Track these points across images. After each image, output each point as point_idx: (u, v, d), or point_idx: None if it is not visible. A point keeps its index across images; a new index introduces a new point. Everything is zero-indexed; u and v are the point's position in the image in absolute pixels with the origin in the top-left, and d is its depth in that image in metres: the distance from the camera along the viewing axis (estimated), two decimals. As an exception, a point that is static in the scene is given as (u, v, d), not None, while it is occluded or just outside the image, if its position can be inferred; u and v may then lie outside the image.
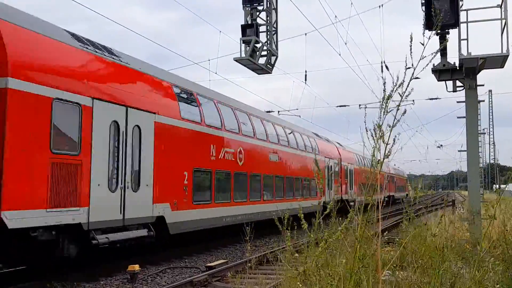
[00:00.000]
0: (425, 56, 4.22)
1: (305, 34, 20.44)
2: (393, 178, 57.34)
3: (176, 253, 15.26)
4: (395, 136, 4.31)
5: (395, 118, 4.32)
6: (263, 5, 13.69)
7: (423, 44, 4.24)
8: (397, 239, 7.16)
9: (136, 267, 10.90)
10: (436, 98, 33.79)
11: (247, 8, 13.76)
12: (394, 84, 4.30)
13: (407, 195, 55.45)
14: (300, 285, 4.52)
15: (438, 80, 12.89)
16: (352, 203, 31.39)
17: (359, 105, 34.76)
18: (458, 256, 6.95)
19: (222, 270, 11.75)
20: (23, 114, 9.06)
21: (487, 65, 11.97)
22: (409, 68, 4.21)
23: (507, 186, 30.92)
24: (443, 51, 12.74)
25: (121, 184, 11.40)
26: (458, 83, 12.98)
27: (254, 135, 19.22)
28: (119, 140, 11.45)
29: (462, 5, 11.81)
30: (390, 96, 4.27)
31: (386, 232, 16.44)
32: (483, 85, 13.13)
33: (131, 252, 13.64)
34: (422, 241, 6.84)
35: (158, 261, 13.92)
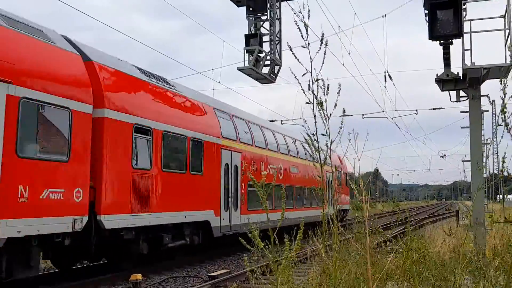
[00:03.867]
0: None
1: (309, 44, 20.44)
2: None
3: (179, 262, 15.21)
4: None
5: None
6: (266, 15, 13.74)
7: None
8: (401, 250, 7.13)
9: (139, 276, 10.88)
10: (439, 108, 33.82)
11: (250, 18, 13.81)
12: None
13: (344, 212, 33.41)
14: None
15: (442, 90, 12.88)
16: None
17: (362, 114, 34.78)
18: (463, 268, 6.91)
19: (225, 279, 11.70)
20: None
21: (490, 75, 11.96)
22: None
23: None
24: (446, 61, 12.75)
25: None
26: (462, 93, 12.97)
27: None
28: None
29: (466, 15, 11.83)
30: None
31: (389, 242, 16.36)
32: (487, 95, 13.12)
33: (134, 262, 13.60)
34: (426, 252, 6.80)
35: (160, 270, 13.88)
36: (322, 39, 4.43)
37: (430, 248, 8.03)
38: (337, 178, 29.23)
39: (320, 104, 4.38)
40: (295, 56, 4.56)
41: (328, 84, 4.40)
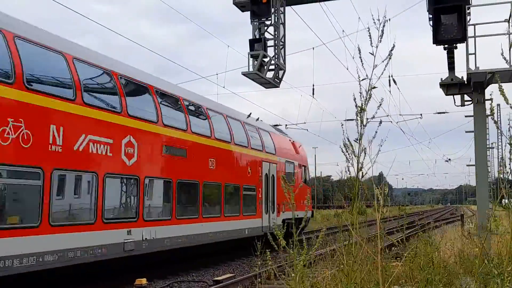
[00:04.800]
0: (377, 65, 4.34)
1: (313, 48, 20.49)
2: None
3: (183, 267, 15.22)
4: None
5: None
6: (271, 19, 13.76)
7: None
8: (405, 254, 7.12)
9: (144, 281, 10.90)
10: (444, 112, 33.61)
11: (255, 23, 13.84)
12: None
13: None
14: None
15: (446, 94, 12.86)
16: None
17: (366, 119, 34.70)
18: (467, 272, 6.90)
19: (229, 284, 11.70)
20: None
21: (495, 79, 11.94)
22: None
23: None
24: (451, 65, 12.73)
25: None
26: (466, 97, 12.95)
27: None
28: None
29: (470, 19, 11.83)
30: (363, 109, 4.38)
31: (394, 247, 16.31)
32: (491, 99, 13.08)
33: (139, 266, 13.62)
34: (430, 257, 6.80)
35: (165, 275, 13.89)
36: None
37: (435, 252, 8.00)
38: (288, 173, 22.56)
39: (361, 109, 4.40)
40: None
41: (372, 90, 4.41)
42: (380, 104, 4.44)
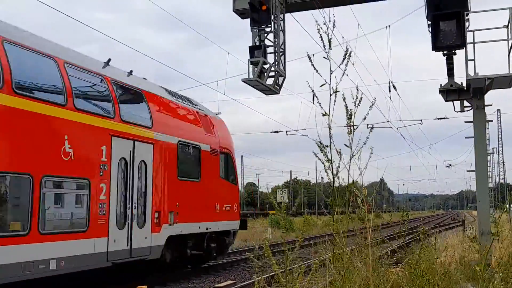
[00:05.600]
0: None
1: (313, 54, 20.51)
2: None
3: (184, 273, 15.21)
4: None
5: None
6: (270, 26, 13.82)
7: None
8: (405, 260, 7.12)
9: (144, 288, 10.87)
10: (444, 118, 33.64)
11: (255, 30, 13.89)
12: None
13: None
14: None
15: (446, 100, 12.90)
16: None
17: (367, 125, 34.74)
18: (467, 278, 6.90)
19: (230, 291, 11.67)
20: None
21: (494, 85, 11.98)
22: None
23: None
24: (450, 72, 12.77)
25: None
26: (466, 103, 12.98)
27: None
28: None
29: (469, 26, 11.88)
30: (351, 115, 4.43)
31: (396, 253, 16.33)
32: (491, 105, 13.12)
33: (139, 273, 13.61)
34: (431, 263, 6.80)
35: (165, 282, 13.88)
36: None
37: (436, 258, 8.00)
38: (185, 159, 14.42)
39: (350, 116, 4.43)
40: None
41: (361, 97, 4.46)
42: (372, 106, 4.48)
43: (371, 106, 4.55)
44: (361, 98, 4.48)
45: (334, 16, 4.49)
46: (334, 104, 4.47)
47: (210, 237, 15.62)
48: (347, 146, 4.45)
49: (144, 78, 14.60)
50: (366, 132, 4.51)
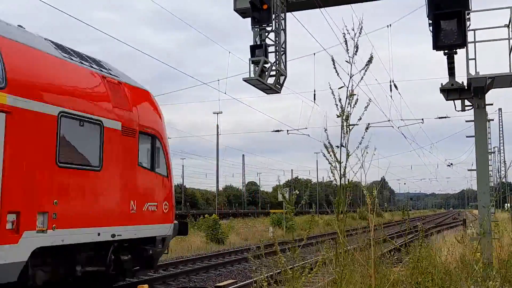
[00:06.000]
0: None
1: (314, 54, 20.53)
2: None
3: (185, 272, 15.24)
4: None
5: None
6: (271, 26, 13.83)
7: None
8: (407, 259, 7.13)
9: (145, 287, 10.90)
10: (445, 117, 33.58)
11: (256, 29, 13.91)
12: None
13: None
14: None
15: (447, 100, 12.88)
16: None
17: (368, 123, 34.75)
18: (468, 277, 6.91)
19: (231, 290, 11.68)
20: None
21: (495, 84, 11.97)
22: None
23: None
24: (451, 71, 12.77)
25: None
26: (467, 102, 12.97)
27: None
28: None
29: (470, 25, 11.87)
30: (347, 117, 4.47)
31: (396, 252, 16.34)
32: (492, 104, 13.11)
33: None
34: (432, 262, 6.81)
35: (167, 280, 13.90)
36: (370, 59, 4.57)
37: (436, 257, 8.01)
38: (91, 140, 10.46)
39: (346, 117, 4.48)
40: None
41: (357, 99, 4.53)
42: (367, 106, 4.51)
43: (366, 107, 4.58)
44: (357, 99, 4.53)
45: (361, 23, 4.51)
46: (354, 107, 4.56)
47: (122, 247, 11.27)
48: (344, 146, 4.49)
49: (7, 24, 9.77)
50: (368, 132, 4.55)
